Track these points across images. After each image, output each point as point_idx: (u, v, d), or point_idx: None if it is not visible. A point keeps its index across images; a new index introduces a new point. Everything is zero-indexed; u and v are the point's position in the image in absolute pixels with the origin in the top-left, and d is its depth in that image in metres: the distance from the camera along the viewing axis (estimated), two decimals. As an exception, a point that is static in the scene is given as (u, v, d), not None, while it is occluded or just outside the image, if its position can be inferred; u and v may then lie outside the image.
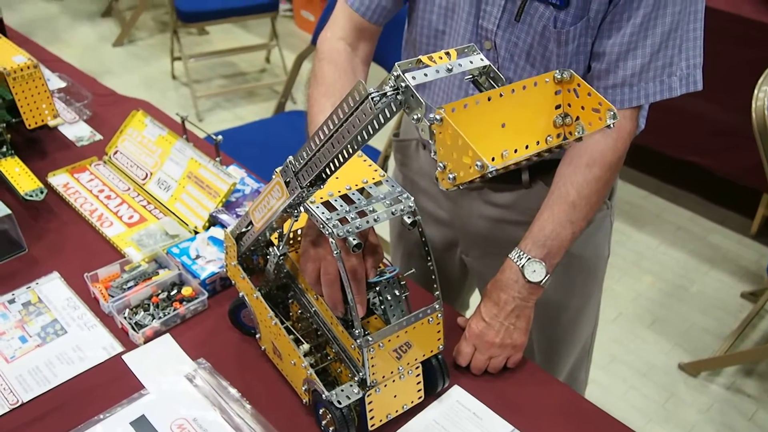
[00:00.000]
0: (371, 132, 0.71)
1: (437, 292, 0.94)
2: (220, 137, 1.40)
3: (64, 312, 1.11)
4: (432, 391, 0.99)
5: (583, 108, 0.67)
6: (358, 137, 0.72)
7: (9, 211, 1.19)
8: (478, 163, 0.59)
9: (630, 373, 2.15)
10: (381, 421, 0.93)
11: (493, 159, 0.62)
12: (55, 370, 1.02)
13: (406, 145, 1.28)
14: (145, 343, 1.06)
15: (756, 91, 1.73)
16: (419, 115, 0.64)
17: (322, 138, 0.76)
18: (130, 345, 1.06)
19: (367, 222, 0.87)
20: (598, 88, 1.02)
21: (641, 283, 2.47)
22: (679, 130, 2.50)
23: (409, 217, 0.89)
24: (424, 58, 0.68)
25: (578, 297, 1.25)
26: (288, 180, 0.84)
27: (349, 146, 0.74)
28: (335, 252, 0.84)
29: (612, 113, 0.64)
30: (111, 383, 1.00)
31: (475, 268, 1.29)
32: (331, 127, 0.74)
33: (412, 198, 0.90)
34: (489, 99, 0.65)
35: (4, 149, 1.37)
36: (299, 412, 0.98)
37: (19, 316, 1.10)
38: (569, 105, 0.69)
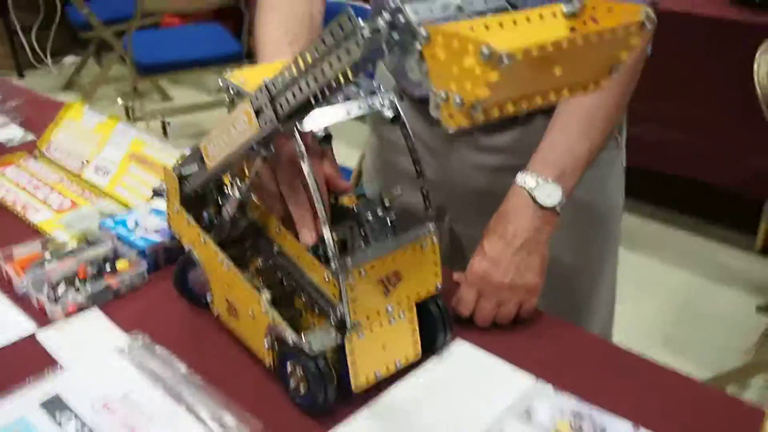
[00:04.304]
0: (357, 71, 0.56)
1: (430, 210, 0.75)
2: (169, 120, 1.23)
3: (-32, 296, 0.90)
4: (430, 347, 0.78)
5: None
6: (343, 73, 0.56)
7: None
8: (484, 51, 0.43)
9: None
10: (367, 379, 0.72)
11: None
12: (-53, 355, 0.80)
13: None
14: (66, 317, 0.85)
15: (756, 64, 1.60)
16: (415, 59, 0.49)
17: (301, 69, 0.59)
18: (47, 323, 0.85)
19: (338, 116, 0.69)
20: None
21: (649, 308, 2.27)
22: (671, 144, 2.38)
23: (389, 111, 0.72)
24: None
25: (593, 256, 1.06)
26: (259, 107, 0.65)
27: (332, 82, 0.58)
28: (299, 148, 0.66)
29: (644, 12, 0.50)
30: (18, 365, 0.78)
31: (469, 237, 1.09)
32: (309, 60, 0.58)
33: (392, 92, 0.73)
34: (487, 28, 0.49)
35: None
36: (262, 381, 0.76)
37: None
38: None
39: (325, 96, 0.60)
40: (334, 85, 0.58)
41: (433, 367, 0.77)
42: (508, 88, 0.48)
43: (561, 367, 0.77)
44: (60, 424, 0.70)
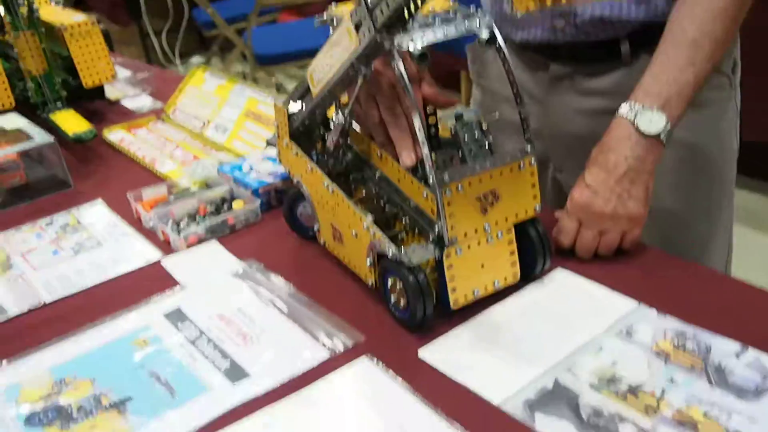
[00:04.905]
0: None
1: (528, 135, 0.75)
2: (281, 81, 1.29)
3: (103, 230, 0.98)
4: (529, 273, 0.79)
5: None
6: None
7: (52, 139, 1.10)
8: None
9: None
10: (466, 297, 0.74)
11: None
12: (84, 275, 0.88)
13: (483, 49, 1.13)
14: (188, 248, 0.92)
15: None
16: None
17: None
18: (171, 253, 0.92)
19: (435, 35, 0.71)
20: None
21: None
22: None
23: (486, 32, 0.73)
24: None
25: (705, 206, 1.02)
26: (359, 21, 0.69)
27: None
28: (397, 65, 0.68)
29: None
30: (145, 284, 0.85)
31: (572, 186, 1.08)
32: None
33: (488, 16, 0.74)
34: None
35: (59, 105, 1.30)
36: (365, 300, 0.79)
37: (55, 235, 0.98)
38: None
39: (417, 6, 0.62)
40: None
41: (532, 290, 0.78)
42: None
43: (666, 293, 0.76)
44: (180, 330, 0.76)
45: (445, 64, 1.95)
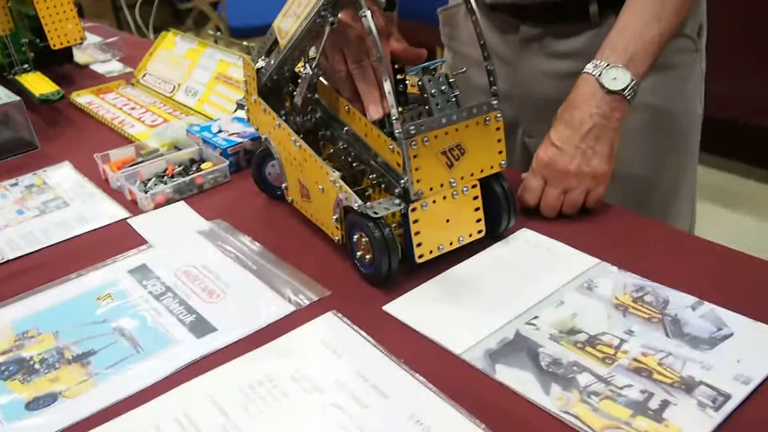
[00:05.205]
0: None
1: (494, 87, 0.76)
2: (253, 44, 1.28)
3: (70, 191, 0.97)
4: (495, 230, 0.80)
5: None
6: None
7: (18, 98, 1.08)
8: None
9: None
10: (430, 252, 0.74)
11: None
12: (49, 233, 0.87)
13: (454, 13, 1.12)
14: (155, 209, 0.91)
15: None
16: None
17: None
18: (138, 213, 0.91)
19: None
20: None
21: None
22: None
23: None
24: None
25: (670, 169, 1.03)
26: None
27: None
28: (364, 11, 0.68)
29: None
30: (111, 242, 0.85)
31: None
32: None
33: None
34: None
35: (26, 66, 1.28)
36: (331, 257, 0.80)
37: (20, 195, 0.97)
38: None
39: None
40: None
41: (496, 248, 0.79)
42: None
43: (628, 251, 0.77)
44: (145, 286, 0.76)
45: (420, 37, 1.94)
